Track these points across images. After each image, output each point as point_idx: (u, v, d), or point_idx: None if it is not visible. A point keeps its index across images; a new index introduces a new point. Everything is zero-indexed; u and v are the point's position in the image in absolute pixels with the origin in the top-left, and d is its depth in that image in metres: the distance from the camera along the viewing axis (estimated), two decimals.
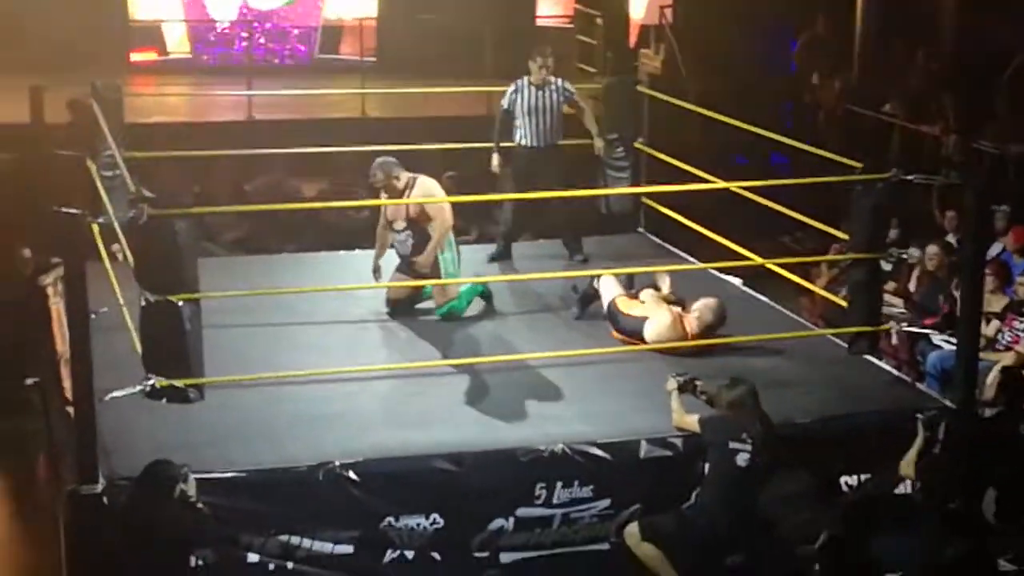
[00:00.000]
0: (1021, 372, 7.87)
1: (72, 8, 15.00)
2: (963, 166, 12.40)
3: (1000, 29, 15.22)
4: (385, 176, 8.01)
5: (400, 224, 8.15)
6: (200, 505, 5.94)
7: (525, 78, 9.41)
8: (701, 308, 7.84)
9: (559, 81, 9.43)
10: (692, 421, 6.66)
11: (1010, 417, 7.02)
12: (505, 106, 9.45)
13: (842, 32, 15.88)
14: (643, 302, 8.11)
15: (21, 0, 14.89)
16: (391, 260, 8.38)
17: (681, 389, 6.89)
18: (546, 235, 10.25)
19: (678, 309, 7.90)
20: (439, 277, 8.14)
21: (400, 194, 8.03)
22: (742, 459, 6.47)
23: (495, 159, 9.47)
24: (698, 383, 6.97)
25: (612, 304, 8.08)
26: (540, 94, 9.34)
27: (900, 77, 15.22)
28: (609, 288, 8.24)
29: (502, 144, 9.47)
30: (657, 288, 8.33)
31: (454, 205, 8.30)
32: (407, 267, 8.26)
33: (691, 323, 7.81)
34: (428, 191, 8.07)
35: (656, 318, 7.81)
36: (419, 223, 8.08)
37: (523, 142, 9.41)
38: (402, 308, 8.27)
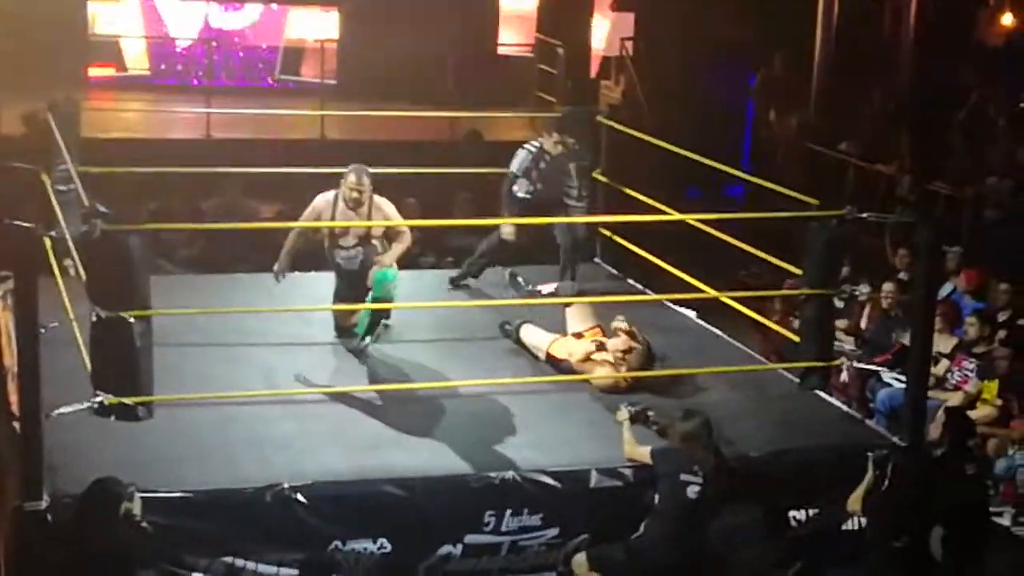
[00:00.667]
0: (965, 412, 7.94)
1: (30, 22, 14.90)
2: (917, 205, 12.53)
3: (954, 71, 15.45)
4: (368, 183, 7.84)
5: (350, 240, 7.96)
6: (145, 524, 5.87)
7: (539, 145, 9.29)
8: (629, 358, 7.71)
9: (573, 144, 9.39)
10: (644, 452, 6.66)
11: (956, 456, 7.06)
12: (517, 172, 9.29)
13: (799, 70, 16.07)
14: (582, 335, 8.02)
15: None
16: (326, 284, 8.23)
17: (633, 419, 6.90)
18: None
19: (608, 358, 7.73)
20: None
21: (361, 205, 7.87)
22: (692, 491, 6.46)
23: (506, 229, 9.22)
24: (650, 414, 6.98)
25: (549, 356, 7.98)
26: (555, 162, 9.29)
27: (856, 116, 15.41)
28: (538, 339, 8.11)
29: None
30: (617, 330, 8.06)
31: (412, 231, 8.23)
32: (350, 288, 8.04)
33: (622, 371, 7.69)
34: (388, 211, 7.94)
35: (596, 375, 7.69)
36: (371, 241, 7.96)
37: (531, 196, 9.30)
38: (351, 333, 8.18)
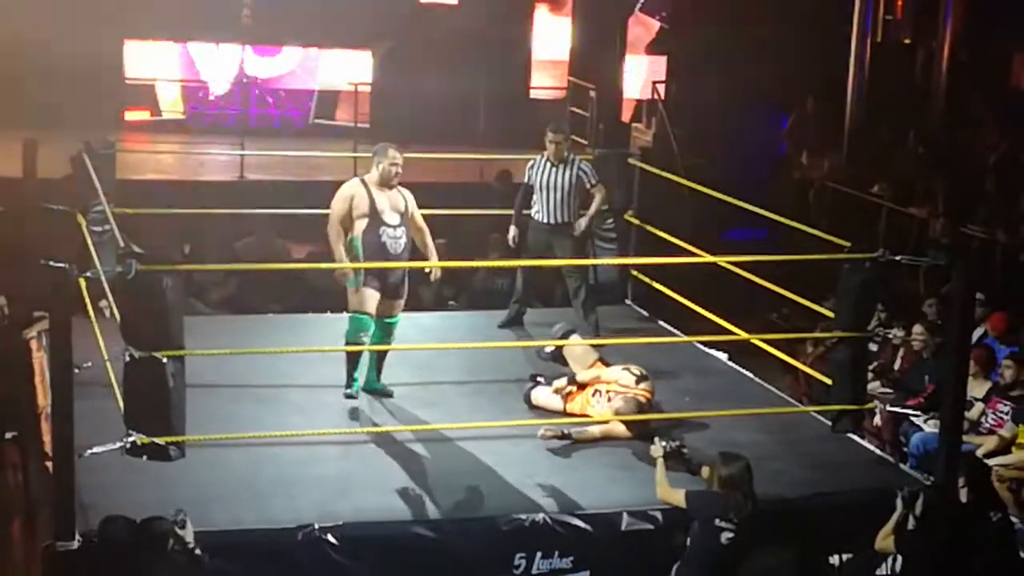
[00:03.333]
0: (978, 457, 7.84)
1: (68, 66, 15.08)
2: (951, 248, 12.46)
3: (987, 114, 15.42)
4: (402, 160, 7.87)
5: (394, 217, 7.80)
6: (198, 552, 5.86)
7: (543, 153, 9.30)
8: (619, 406, 7.59)
9: (577, 160, 9.31)
10: (678, 496, 6.56)
11: (979, 503, 6.94)
12: (526, 180, 9.40)
13: (832, 112, 16.07)
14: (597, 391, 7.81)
15: (19, 57, 14.97)
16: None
17: (668, 455, 6.83)
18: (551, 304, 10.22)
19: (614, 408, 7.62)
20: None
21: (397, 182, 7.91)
22: (725, 538, 6.36)
23: (512, 231, 9.39)
24: (684, 450, 6.93)
25: (566, 414, 7.82)
26: (554, 171, 9.23)
27: (889, 159, 15.37)
28: (551, 402, 7.93)
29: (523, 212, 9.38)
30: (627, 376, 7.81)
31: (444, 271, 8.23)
32: (390, 281, 7.79)
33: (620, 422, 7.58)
34: (409, 195, 7.98)
35: (615, 431, 7.56)
36: (406, 220, 7.90)
37: (537, 217, 9.33)
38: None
